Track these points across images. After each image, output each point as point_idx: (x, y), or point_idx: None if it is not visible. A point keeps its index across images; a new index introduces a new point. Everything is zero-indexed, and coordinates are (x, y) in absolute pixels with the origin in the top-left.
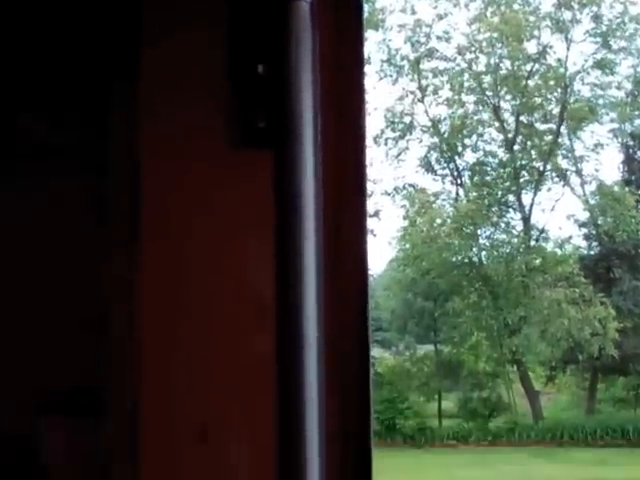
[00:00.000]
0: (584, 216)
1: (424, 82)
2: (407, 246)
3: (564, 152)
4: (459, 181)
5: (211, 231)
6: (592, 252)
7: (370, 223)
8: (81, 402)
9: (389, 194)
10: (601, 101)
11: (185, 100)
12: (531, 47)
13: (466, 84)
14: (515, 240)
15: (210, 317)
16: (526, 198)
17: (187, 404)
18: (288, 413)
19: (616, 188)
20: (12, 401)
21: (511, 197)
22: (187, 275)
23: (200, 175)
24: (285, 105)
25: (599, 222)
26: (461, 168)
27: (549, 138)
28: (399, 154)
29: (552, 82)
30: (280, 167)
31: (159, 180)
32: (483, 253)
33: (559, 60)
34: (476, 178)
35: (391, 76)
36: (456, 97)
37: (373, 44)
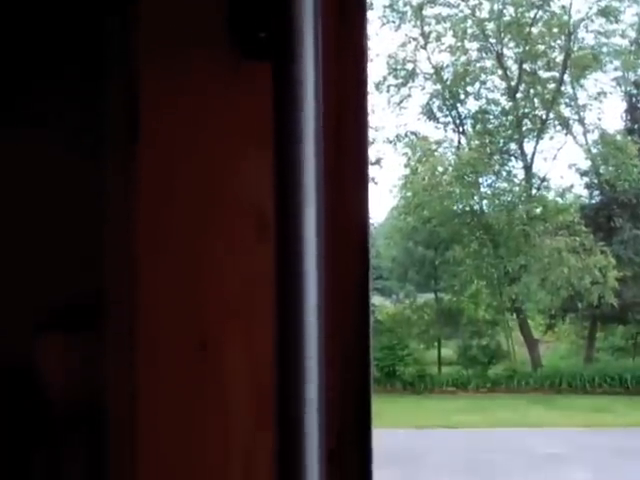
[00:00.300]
0: (586, 165)
1: (427, 29)
2: (408, 194)
3: (567, 100)
4: (461, 129)
5: (209, 145)
6: (593, 201)
7: (371, 171)
8: (80, 319)
9: (391, 142)
10: (605, 49)
11: (184, 8)
12: None
13: (469, 31)
14: (516, 189)
15: (209, 232)
16: (528, 146)
17: (186, 316)
18: (287, 331)
19: (618, 137)
20: (11, 320)
21: (513, 145)
22: (185, 190)
23: (199, 87)
24: (286, 14)
25: (601, 171)
26: (463, 116)
27: (552, 86)
28: (401, 101)
29: (556, 29)
30: (280, 79)
31: (157, 93)
32: (484, 201)
33: (563, 7)
34: (478, 126)
35: (394, 22)
36: (459, 44)
37: None
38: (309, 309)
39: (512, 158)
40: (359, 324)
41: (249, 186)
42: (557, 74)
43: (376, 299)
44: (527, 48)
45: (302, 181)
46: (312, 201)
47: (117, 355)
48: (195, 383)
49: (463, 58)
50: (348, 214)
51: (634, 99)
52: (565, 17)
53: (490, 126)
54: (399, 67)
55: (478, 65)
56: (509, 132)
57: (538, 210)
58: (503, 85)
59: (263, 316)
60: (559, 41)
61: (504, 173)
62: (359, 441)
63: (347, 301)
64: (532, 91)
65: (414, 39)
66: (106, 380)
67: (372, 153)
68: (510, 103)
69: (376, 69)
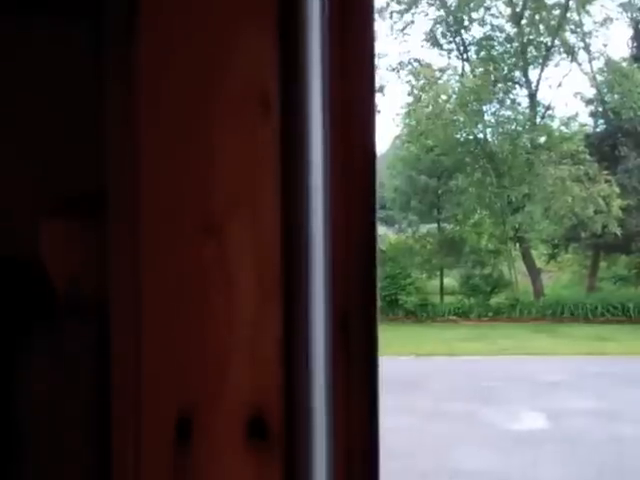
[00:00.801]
0: (591, 93)
1: None
2: (412, 123)
3: (572, 27)
4: (465, 56)
5: (211, 21)
6: (598, 129)
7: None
8: (82, 207)
9: (394, 69)
10: None
11: None
12: None
13: None
14: (521, 117)
15: (210, 113)
16: (533, 74)
17: (188, 200)
18: (292, 214)
19: (624, 64)
20: (12, 210)
21: (517, 73)
22: (185, 68)
23: None
24: None
25: (606, 99)
26: (467, 43)
27: (557, 12)
28: (404, 28)
29: None
30: None
31: None
32: (488, 130)
33: None
34: (482, 53)
35: None
36: None
37: None
38: (314, 191)
39: (516, 86)
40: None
41: (251, 64)
42: (562, 0)
43: (379, 229)
44: None
45: (306, 63)
46: (317, 86)
47: (120, 242)
48: (199, 266)
49: None
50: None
51: None
52: None
53: (494, 53)
54: None
55: None
56: (513, 59)
57: (542, 139)
58: (508, 11)
59: (267, 199)
60: None
61: (508, 101)
62: (365, 308)
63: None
64: (537, 17)
65: None
66: (109, 268)
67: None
68: (515, 30)
69: None
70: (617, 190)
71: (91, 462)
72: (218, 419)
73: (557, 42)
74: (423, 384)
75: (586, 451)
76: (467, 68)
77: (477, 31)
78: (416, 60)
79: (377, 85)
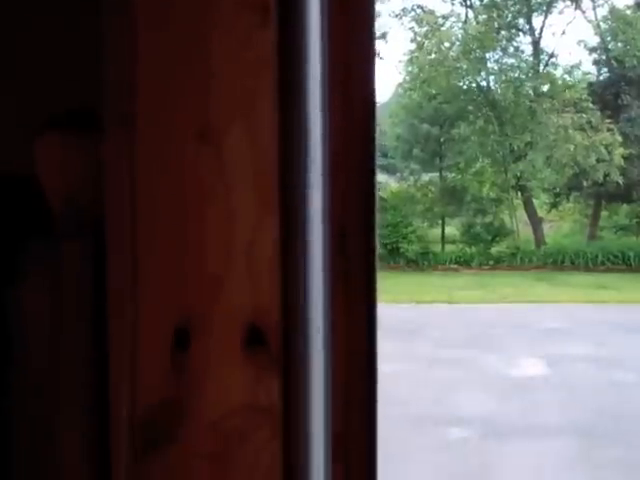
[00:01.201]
0: (594, 41)
1: None
2: (414, 70)
3: None
4: (468, 2)
5: None
6: (601, 78)
7: (376, 46)
8: (78, 123)
9: (396, 16)
10: None
11: None
12: None
13: None
14: (524, 65)
15: (209, 20)
16: (536, 21)
17: (186, 111)
18: (290, 124)
19: (628, 12)
20: (7, 127)
21: (521, 20)
22: None
23: None
24: None
25: (609, 47)
26: None
27: None
28: None
29: None
30: None
31: None
32: (491, 78)
33: None
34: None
35: None
36: None
37: None
38: (312, 101)
39: (520, 33)
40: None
41: None
42: None
43: (380, 177)
44: None
45: None
46: (316, 18)
47: (116, 156)
48: (196, 177)
49: None
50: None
51: None
52: None
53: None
54: None
55: None
56: (517, 6)
57: (545, 87)
58: None
59: (265, 110)
60: None
61: (511, 49)
62: (364, 230)
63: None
64: None
65: None
66: (105, 182)
67: (377, 27)
68: None
69: None
70: (619, 139)
71: (88, 378)
72: (216, 327)
73: None
74: (423, 331)
75: (585, 396)
76: (470, 15)
77: None
78: (419, 6)
79: (380, 32)
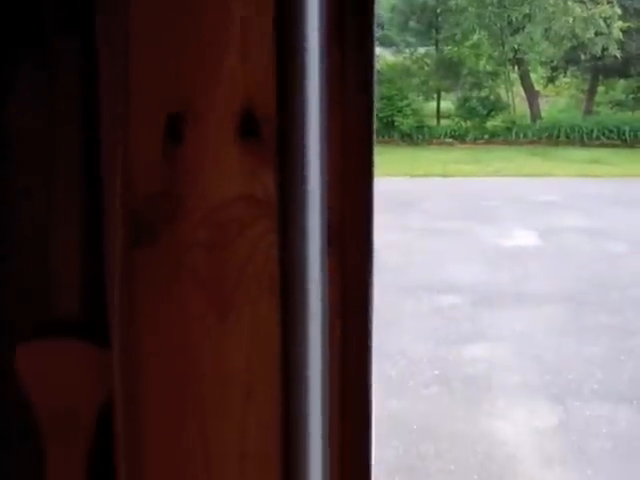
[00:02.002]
0: None
1: None
2: None
3: None
4: None
5: None
6: None
7: None
8: None
9: None
10: None
11: None
12: None
13: None
14: None
15: None
16: None
17: None
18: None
19: None
20: None
21: None
22: None
23: None
24: None
25: None
26: None
27: None
28: None
29: None
30: None
31: None
32: None
33: None
34: None
35: None
36: None
37: None
38: None
39: None
40: None
41: None
42: None
43: (376, 49)
44: None
45: None
46: None
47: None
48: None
49: None
50: None
51: None
52: None
53: None
54: None
55: None
56: None
57: None
58: None
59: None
60: None
61: None
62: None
63: None
64: None
65: None
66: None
67: None
68: None
69: None
70: (619, 11)
71: (80, 177)
72: (210, 115)
73: None
74: (417, 204)
75: (577, 266)
76: None
77: None
78: None
79: None
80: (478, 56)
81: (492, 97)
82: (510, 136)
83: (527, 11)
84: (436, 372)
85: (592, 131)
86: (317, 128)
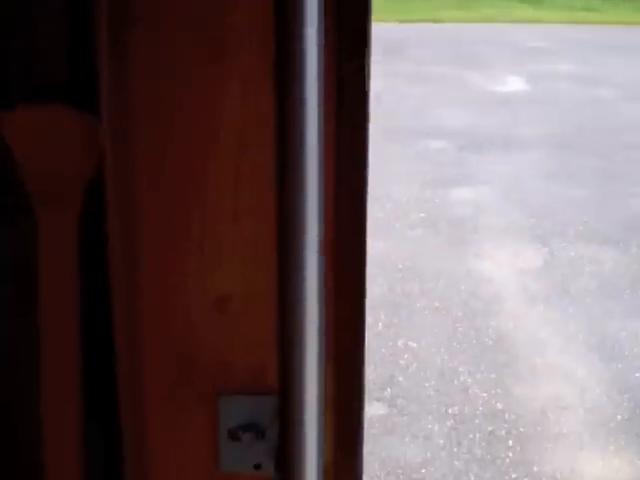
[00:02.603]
0: None
1: None
2: None
3: None
4: None
5: None
6: None
7: None
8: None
9: None
10: None
11: None
12: None
13: None
14: None
15: None
16: None
17: None
18: None
19: None
20: None
21: None
22: None
23: None
24: None
25: None
26: None
27: None
28: None
29: None
30: None
31: None
32: None
33: None
34: None
35: None
36: None
37: None
38: None
39: None
40: None
41: None
42: None
43: None
44: None
45: None
46: None
47: None
48: None
49: None
50: None
51: None
52: None
53: None
54: None
55: None
56: None
57: None
58: None
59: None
60: None
61: None
62: None
63: None
64: None
65: None
66: None
67: None
68: None
69: None
70: None
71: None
72: None
73: None
74: (406, 50)
75: (566, 111)
76: None
77: None
78: None
79: None
80: None
81: None
82: None
83: None
84: (422, 215)
85: None
86: None
